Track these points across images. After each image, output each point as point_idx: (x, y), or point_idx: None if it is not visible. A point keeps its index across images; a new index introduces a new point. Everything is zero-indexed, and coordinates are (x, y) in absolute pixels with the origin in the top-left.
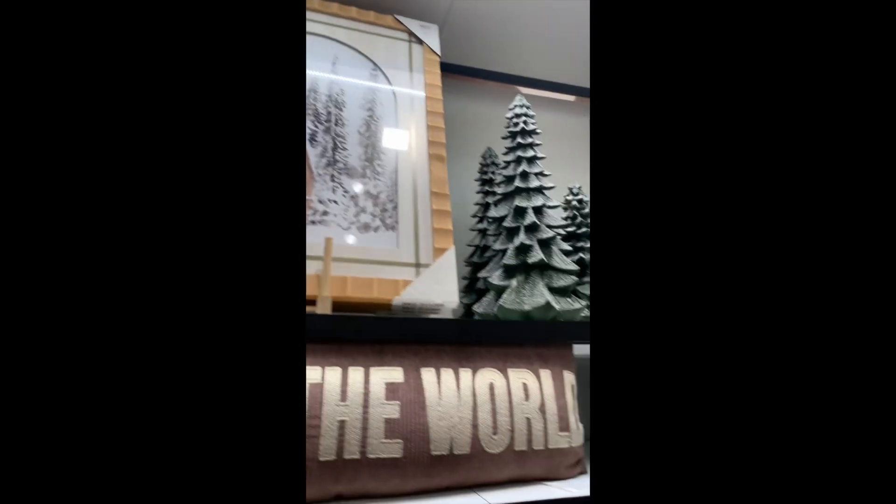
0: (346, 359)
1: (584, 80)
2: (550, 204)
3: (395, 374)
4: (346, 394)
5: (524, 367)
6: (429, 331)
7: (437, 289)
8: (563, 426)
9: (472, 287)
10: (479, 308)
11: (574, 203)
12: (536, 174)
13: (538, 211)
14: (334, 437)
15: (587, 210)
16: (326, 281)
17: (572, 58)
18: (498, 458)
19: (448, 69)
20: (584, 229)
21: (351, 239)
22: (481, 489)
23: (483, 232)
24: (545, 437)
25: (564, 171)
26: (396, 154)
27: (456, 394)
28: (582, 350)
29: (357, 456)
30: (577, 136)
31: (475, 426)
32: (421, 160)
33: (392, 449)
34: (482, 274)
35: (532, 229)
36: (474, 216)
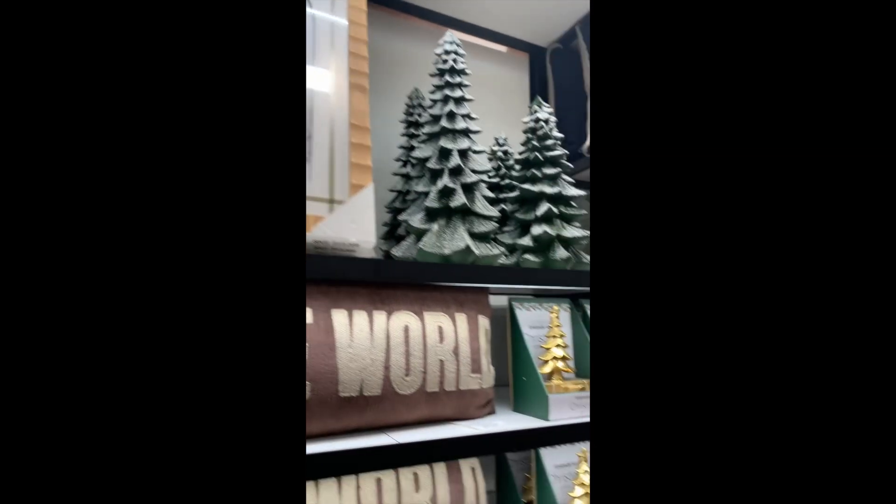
0: None
1: (519, 31)
2: (476, 148)
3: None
4: None
5: (440, 310)
6: (341, 270)
7: (353, 227)
8: (476, 368)
9: (393, 234)
10: (397, 252)
11: (499, 154)
12: (464, 116)
13: (463, 154)
14: None
15: (511, 161)
16: None
17: (509, 6)
18: (409, 399)
19: (375, 0)
20: (507, 181)
21: None
22: (391, 430)
23: (406, 177)
24: (457, 379)
25: (491, 123)
26: (312, 81)
27: (369, 336)
28: (499, 301)
29: None
30: (505, 88)
31: (387, 368)
32: (340, 89)
33: None
34: (403, 217)
35: (456, 172)
36: (398, 160)
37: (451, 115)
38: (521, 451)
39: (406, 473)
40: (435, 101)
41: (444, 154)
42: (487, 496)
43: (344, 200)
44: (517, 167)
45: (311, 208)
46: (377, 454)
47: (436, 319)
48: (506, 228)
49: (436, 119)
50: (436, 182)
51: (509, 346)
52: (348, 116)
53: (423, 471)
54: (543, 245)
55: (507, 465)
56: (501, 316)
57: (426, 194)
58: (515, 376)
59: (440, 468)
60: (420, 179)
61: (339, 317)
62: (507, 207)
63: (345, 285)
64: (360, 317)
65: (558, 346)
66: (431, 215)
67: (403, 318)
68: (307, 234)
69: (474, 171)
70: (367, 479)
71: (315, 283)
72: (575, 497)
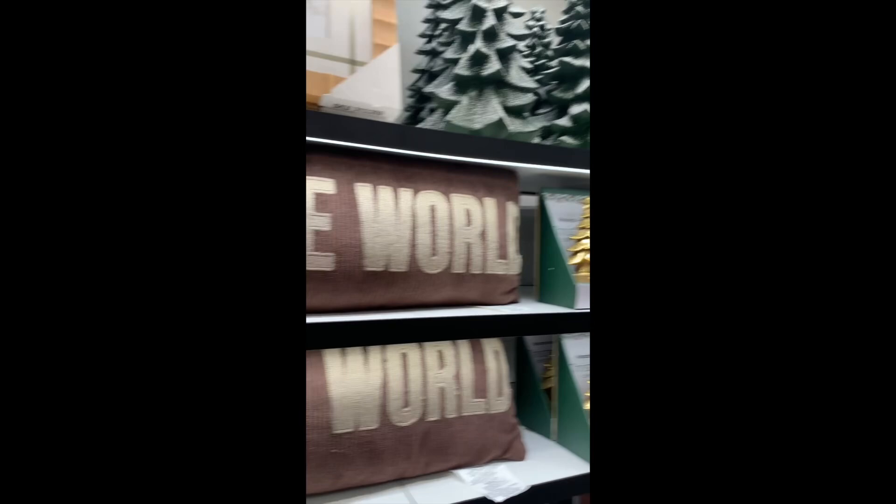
0: None
1: None
2: (514, 10)
3: (326, 185)
4: None
5: (468, 193)
6: (363, 132)
7: (376, 92)
8: (503, 254)
9: (415, 118)
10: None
11: (536, 30)
12: None
13: (499, 15)
14: None
15: (549, 39)
16: None
17: None
18: (435, 278)
19: None
20: (542, 61)
21: None
22: (416, 308)
23: (432, 53)
24: (484, 263)
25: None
26: None
27: (394, 212)
28: (528, 202)
29: None
30: None
31: (413, 246)
32: None
33: (323, 262)
34: (429, 89)
35: (490, 36)
36: (422, 36)
37: None
38: (545, 337)
39: (431, 350)
40: None
41: (478, 14)
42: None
43: (366, 62)
44: (557, 40)
45: (331, 67)
46: (402, 327)
47: (463, 202)
48: (540, 111)
49: None
50: (467, 47)
51: (537, 237)
52: None
53: (447, 349)
54: (583, 126)
55: (528, 354)
56: (529, 218)
57: (455, 62)
58: (542, 267)
59: (464, 347)
60: (449, 46)
61: (363, 191)
62: (543, 89)
63: (368, 159)
64: (385, 192)
65: (589, 237)
66: (462, 85)
67: (430, 198)
68: (327, 94)
69: (511, 36)
70: (394, 353)
71: (337, 154)
72: None
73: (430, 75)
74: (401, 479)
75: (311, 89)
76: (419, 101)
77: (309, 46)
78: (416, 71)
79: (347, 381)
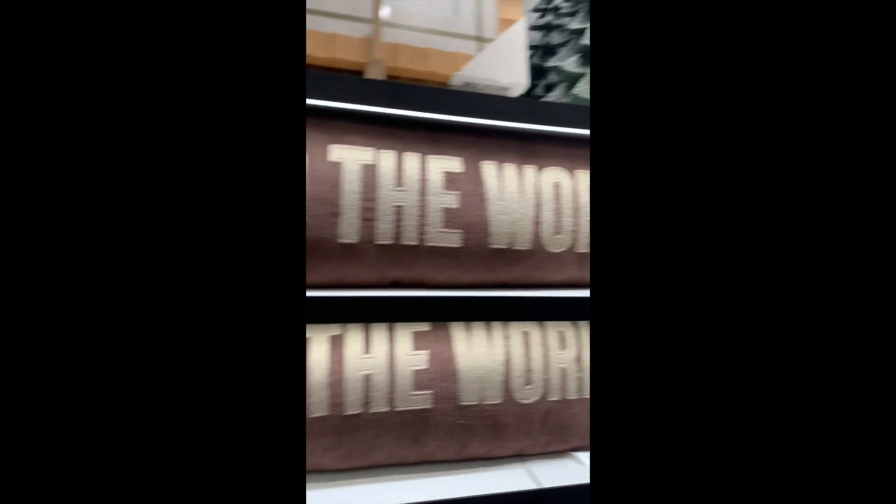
0: (400, 143)
1: None
2: None
3: (454, 164)
4: (401, 179)
5: None
6: (491, 108)
7: (503, 67)
8: None
9: (529, 96)
10: None
11: None
12: None
13: None
14: (391, 221)
15: None
16: (377, 43)
17: None
18: (558, 257)
19: None
20: None
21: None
22: (539, 288)
23: (546, 28)
24: None
25: None
26: None
27: (518, 189)
28: None
29: (415, 242)
30: None
31: (537, 224)
32: None
33: (451, 238)
34: (553, 62)
35: None
36: (535, 10)
37: None
38: None
39: (552, 331)
40: None
41: None
42: None
43: (493, 38)
44: None
45: (459, 45)
46: (523, 304)
47: (588, 179)
48: None
49: None
50: None
51: None
52: None
53: (568, 330)
54: None
55: None
56: None
57: (582, 32)
58: None
59: (586, 330)
60: (573, 16)
61: (488, 168)
62: None
63: (493, 136)
64: (510, 170)
65: None
66: (588, 57)
67: (554, 175)
68: (457, 73)
69: None
70: (515, 331)
71: (463, 133)
72: None
73: (544, 50)
74: (520, 456)
75: (441, 68)
76: (533, 77)
77: (437, 26)
78: (530, 47)
79: (473, 355)
